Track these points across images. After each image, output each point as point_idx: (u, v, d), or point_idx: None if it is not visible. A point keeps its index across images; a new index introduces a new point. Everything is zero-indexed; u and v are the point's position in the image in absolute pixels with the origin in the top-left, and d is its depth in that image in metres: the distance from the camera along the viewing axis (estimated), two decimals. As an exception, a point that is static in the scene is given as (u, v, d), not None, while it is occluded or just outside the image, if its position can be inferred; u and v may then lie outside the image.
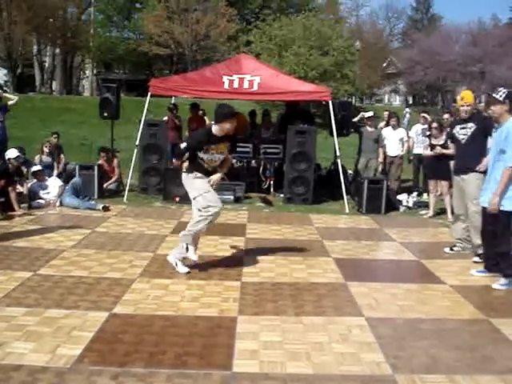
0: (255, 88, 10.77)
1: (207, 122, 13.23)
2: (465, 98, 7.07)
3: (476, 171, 6.85)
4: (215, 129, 5.86)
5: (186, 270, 6.00)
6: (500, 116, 6.01)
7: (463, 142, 7.08)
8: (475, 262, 6.74)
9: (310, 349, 4.20)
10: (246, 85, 10.76)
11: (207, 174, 5.96)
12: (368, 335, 4.51)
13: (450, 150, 8.85)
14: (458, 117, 7.89)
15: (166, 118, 12.92)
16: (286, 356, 4.06)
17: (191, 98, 14.10)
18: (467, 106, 7.00)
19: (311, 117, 12.95)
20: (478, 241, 6.73)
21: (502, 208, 5.85)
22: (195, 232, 5.96)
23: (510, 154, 5.79)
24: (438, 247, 7.68)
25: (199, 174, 5.90)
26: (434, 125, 10.01)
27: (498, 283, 5.92)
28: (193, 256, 6.01)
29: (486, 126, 6.99)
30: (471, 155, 6.90)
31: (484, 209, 6.18)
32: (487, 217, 6.13)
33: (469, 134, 6.98)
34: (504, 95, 5.94)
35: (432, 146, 9.72)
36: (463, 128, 7.05)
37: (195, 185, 5.89)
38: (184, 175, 6.03)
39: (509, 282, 5.91)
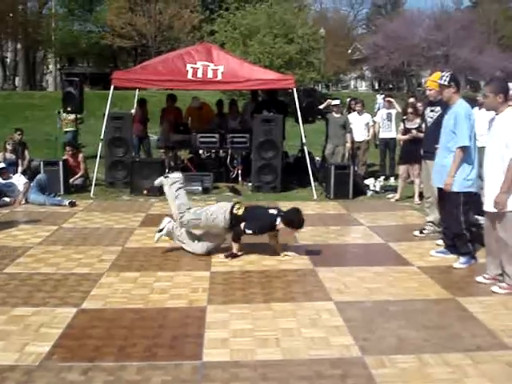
0: (219, 77, 10.72)
1: (183, 113, 13.10)
2: (427, 81, 7.10)
3: None
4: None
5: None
6: (449, 99, 6.07)
7: (429, 125, 7.09)
8: (438, 245, 6.79)
9: (279, 335, 4.22)
10: (210, 74, 10.69)
11: None
12: (337, 319, 4.55)
13: None
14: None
15: (133, 111, 12.79)
16: (255, 343, 4.08)
17: (156, 90, 13.91)
18: (429, 89, 6.98)
19: (285, 107, 12.91)
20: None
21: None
22: None
23: (459, 135, 5.85)
24: (406, 230, 7.78)
25: None
26: (410, 109, 9.97)
27: (459, 262, 6.05)
28: None
29: None
30: (434, 140, 6.61)
31: (439, 190, 6.28)
32: (442, 198, 6.25)
33: (434, 118, 6.96)
34: (448, 78, 6.00)
35: (407, 130, 9.75)
36: (432, 111, 7.03)
37: None
38: None
39: (467, 259, 6.04)
